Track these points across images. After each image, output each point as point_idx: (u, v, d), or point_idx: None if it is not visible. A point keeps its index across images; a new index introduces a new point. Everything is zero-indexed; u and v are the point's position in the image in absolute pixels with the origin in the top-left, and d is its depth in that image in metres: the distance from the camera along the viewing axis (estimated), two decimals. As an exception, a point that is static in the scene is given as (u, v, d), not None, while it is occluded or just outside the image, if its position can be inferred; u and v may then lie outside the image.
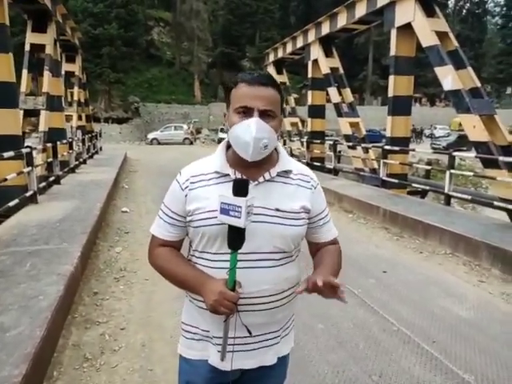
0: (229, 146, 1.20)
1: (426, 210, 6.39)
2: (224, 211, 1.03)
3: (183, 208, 1.17)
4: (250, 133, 1.06)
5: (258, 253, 1.12)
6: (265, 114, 1.10)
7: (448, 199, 6.59)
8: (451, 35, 7.52)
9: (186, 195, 1.17)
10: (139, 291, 3.81)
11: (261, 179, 1.15)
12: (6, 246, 4.15)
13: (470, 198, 6.48)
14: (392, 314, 3.43)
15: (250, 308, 1.12)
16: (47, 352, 2.55)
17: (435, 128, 35.81)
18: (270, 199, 1.13)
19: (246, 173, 1.14)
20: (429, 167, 10.82)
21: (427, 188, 7.84)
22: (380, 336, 3.07)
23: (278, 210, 1.13)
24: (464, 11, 57.16)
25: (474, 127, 6.53)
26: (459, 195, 6.67)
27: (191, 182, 1.17)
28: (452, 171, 6.54)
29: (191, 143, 28.68)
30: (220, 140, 24.77)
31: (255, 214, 1.05)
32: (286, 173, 1.19)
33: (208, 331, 1.19)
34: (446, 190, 6.56)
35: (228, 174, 1.15)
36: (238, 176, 1.14)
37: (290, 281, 1.19)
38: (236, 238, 1.04)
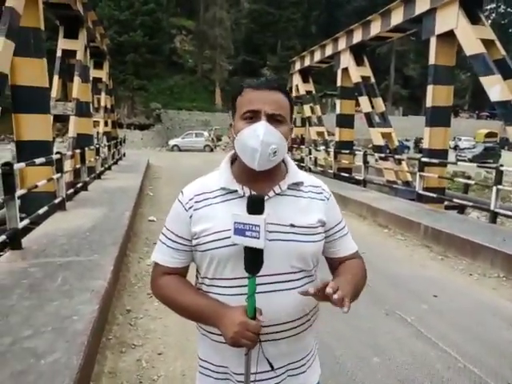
0: (233, 161, 1.11)
1: (471, 227, 5.98)
2: (239, 232, 0.92)
3: (188, 230, 1.06)
4: (256, 137, 0.97)
5: (276, 274, 1.01)
6: (273, 119, 1.00)
7: (494, 216, 6.16)
8: (498, 43, 7.14)
9: (190, 216, 1.06)
10: (174, 310, 3.57)
11: (271, 193, 1.05)
12: (35, 256, 3.98)
13: (521, 216, 6.03)
14: (453, 346, 3.09)
15: (271, 337, 1.02)
16: (84, 383, 2.32)
17: (459, 139, 35.00)
18: (283, 214, 1.03)
19: (255, 187, 1.04)
20: (471, 181, 10.27)
21: (470, 204, 7.39)
22: (446, 374, 2.73)
23: (292, 225, 1.03)
24: (489, 21, 56.25)
25: (525, 140, 6.12)
26: (508, 213, 6.23)
27: (196, 202, 1.06)
28: (499, 187, 6.12)
29: (211, 150, 28.70)
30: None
31: (269, 232, 0.95)
32: (296, 185, 1.09)
33: (226, 367, 1.06)
34: (492, 207, 6.14)
35: (236, 190, 1.05)
36: (246, 191, 1.04)
37: (313, 302, 1.05)
38: (254, 260, 0.93)
